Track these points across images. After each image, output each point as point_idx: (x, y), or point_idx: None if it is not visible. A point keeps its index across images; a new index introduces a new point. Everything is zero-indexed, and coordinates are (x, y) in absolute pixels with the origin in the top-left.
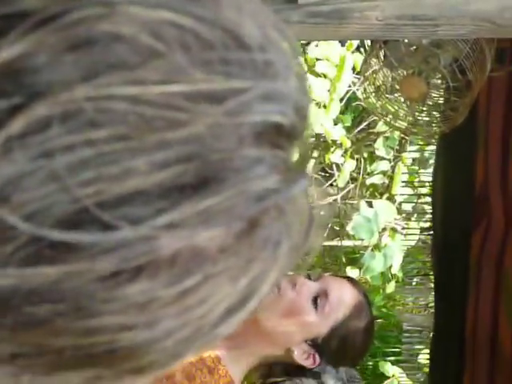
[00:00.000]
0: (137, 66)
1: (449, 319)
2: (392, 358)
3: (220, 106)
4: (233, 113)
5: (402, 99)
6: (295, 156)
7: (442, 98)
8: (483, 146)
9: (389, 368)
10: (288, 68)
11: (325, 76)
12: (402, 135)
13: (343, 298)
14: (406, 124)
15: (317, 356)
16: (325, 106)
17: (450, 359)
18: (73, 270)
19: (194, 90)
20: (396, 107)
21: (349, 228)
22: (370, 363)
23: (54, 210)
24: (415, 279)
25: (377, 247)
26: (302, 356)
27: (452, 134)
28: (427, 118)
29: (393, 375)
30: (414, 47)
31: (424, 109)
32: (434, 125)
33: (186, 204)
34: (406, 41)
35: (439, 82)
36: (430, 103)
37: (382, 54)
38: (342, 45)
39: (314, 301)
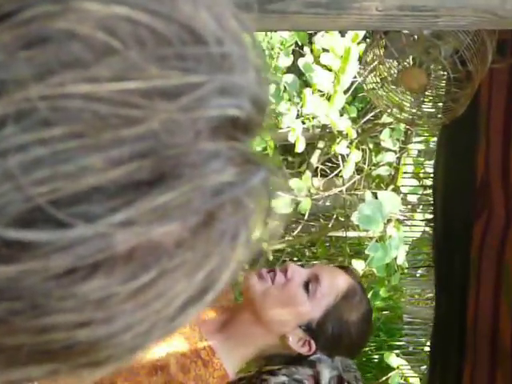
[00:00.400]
0: (91, 64)
1: (449, 311)
2: (397, 351)
3: (175, 101)
4: (188, 108)
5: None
6: (255, 148)
7: (442, 89)
8: (484, 137)
9: (393, 360)
10: (246, 60)
11: (329, 69)
12: (407, 127)
13: (335, 282)
14: (409, 116)
15: (312, 342)
16: (329, 98)
17: (450, 351)
18: (28, 268)
19: (150, 87)
20: (399, 98)
21: (354, 219)
22: (376, 356)
23: (9, 209)
24: (420, 271)
25: (382, 238)
26: (297, 343)
27: (453, 125)
28: (431, 109)
29: (397, 367)
30: (415, 37)
31: (426, 100)
32: (436, 116)
33: (142, 200)
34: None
35: (441, 73)
36: (433, 94)
37: (382, 44)
38: (342, 35)
39: (306, 286)
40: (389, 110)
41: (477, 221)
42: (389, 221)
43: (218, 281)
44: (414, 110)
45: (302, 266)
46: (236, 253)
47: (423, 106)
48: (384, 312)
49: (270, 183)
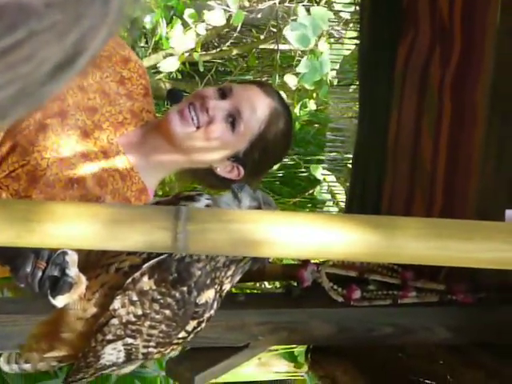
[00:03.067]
0: None
1: (372, 129)
2: (325, 165)
3: None
4: None
5: None
6: None
7: None
8: None
9: (320, 173)
10: None
11: None
12: None
13: (257, 110)
14: None
15: (240, 168)
16: None
17: (371, 167)
18: None
19: None
20: None
21: (286, 33)
22: (304, 170)
23: None
24: (351, 88)
25: (313, 53)
26: (225, 170)
27: None
28: None
29: (324, 179)
30: None
31: None
32: None
33: None
34: None
35: None
36: None
37: None
38: None
39: (229, 120)
40: None
41: (402, 40)
42: (321, 36)
43: (89, 47)
44: None
45: (220, 90)
46: (108, 17)
47: None
48: (314, 125)
49: None
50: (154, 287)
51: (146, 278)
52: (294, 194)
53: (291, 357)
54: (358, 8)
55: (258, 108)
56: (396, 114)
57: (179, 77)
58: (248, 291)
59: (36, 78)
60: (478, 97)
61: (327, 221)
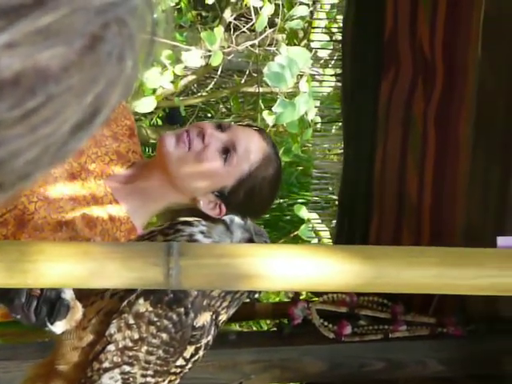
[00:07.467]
0: None
1: (357, 165)
2: (309, 205)
3: None
4: None
5: None
6: None
7: None
8: None
9: (304, 213)
10: None
11: None
12: None
13: (251, 150)
14: None
15: (223, 206)
16: None
17: (357, 202)
18: None
19: None
20: None
21: (264, 72)
22: (289, 213)
23: None
24: (334, 127)
25: (293, 95)
26: (207, 205)
27: None
28: None
29: (307, 219)
30: None
31: None
32: None
33: (24, 22)
34: None
35: None
36: None
37: None
38: None
39: (223, 152)
40: None
41: (385, 75)
42: (300, 76)
43: (107, 103)
44: None
45: (219, 125)
46: (123, 74)
47: None
48: (297, 167)
49: (153, 4)
50: (150, 309)
51: (141, 300)
52: (280, 236)
53: None
54: (337, 46)
55: (252, 148)
56: (381, 150)
57: (160, 123)
58: (239, 329)
59: (57, 138)
60: (461, 130)
61: (321, 252)
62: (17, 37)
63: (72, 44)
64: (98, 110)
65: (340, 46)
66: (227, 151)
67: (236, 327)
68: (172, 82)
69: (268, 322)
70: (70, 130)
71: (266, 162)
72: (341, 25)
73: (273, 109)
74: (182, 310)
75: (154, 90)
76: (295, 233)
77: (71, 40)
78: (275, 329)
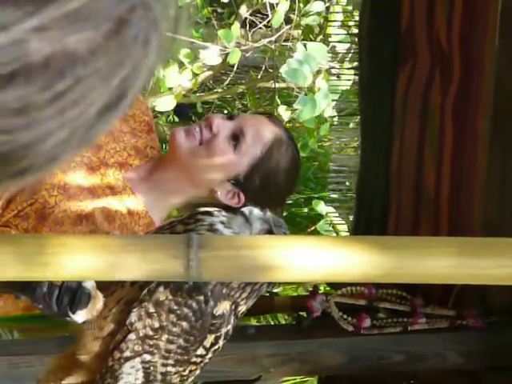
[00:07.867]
0: None
1: (374, 158)
2: (327, 199)
3: None
4: None
5: None
6: None
7: None
8: None
9: (322, 208)
10: None
11: None
12: None
13: (260, 134)
14: None
15: (241, 194)
16: None
17: (375, 196)
18: None
19: None
20: None
21: (282, 71)
22: (306, 209)
23: None
24: (352, 122)
25: (310, 90)
26: (226, 196)
27: None
28: None
29: (326, 214)
30: None
31: None
32: None
33: (53, 7)
34: None
35: None
36: None
37: None
38: None
39: (232, 139)
40: None
41: (402, 67)
42: (318, 72)
43: (133, 87)
44: None
45: (231, 117)
46: (149, 57)
47: None
48: (314, 162)
49: None
50: (170, 297)
51: (161, 288)
52: (297, 232)
53: None
54: (354, 40)
55: (261, 132)
56: (398, 143)
57: (176, 120)
58: (258, 323)
59: (84, 120)
60: (479, 124)
61: (339, 243)
62: (45, 21)
63: (99, 28)
64: (124, 93)
65: (356, 39)
66: (236, 138)
67: (254, 322)
68: (190, 80)
69: (286, 316)
70: (97, 113)
71: (277, 145)
72: (357, 19)
73: (294, 105)
74: (202, 297)
75: (171, 88)
76: (313, 227)
77: (98, 24)
78: (294, 322)
